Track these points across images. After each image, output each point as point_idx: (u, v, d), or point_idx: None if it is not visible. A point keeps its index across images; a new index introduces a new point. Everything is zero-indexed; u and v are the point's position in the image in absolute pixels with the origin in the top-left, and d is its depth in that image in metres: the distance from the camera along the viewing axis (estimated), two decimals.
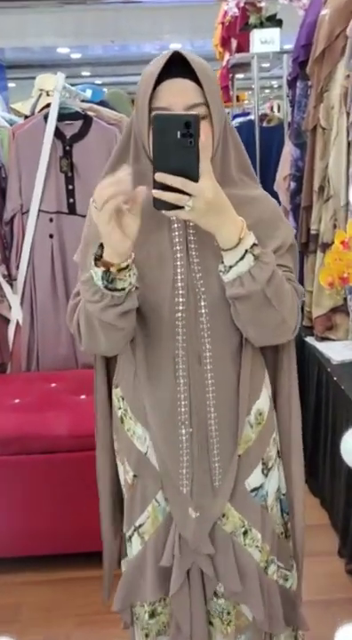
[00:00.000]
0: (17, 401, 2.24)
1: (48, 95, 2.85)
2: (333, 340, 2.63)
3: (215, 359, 1.12)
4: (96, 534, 1.54)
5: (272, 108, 5.26)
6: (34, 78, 2.84)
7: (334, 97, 2.51)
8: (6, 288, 2.50)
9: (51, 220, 2.46)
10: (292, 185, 3.03)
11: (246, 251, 0.99)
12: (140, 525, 1.22)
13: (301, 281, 3.05)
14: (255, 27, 3.59)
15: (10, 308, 2.54)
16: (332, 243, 1.94)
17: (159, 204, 0.93)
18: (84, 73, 11.15)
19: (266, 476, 1.22)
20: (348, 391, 2.17)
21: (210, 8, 5.43)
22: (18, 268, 2.50)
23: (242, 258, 0.99)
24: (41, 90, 2.95)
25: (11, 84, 10.74)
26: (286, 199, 3.17)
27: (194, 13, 7.16)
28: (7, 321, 2.56)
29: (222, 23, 4.29)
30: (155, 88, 1.01)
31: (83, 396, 2.30)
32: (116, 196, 0.90)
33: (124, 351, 1.17)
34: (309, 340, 2.69)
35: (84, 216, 2.47)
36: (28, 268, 2.50)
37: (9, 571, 2.12)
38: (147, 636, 1.28)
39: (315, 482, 2.60)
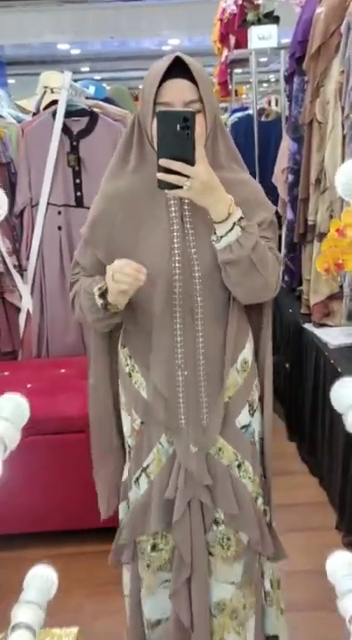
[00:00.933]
0: (29, 386, 2.34)
1: (52, 92, 2.94)
2: (331, 325, 2.73)
3: (205, 315, 1.31)
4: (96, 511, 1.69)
5: (270, 103, 5.33)
6: (33, 74, 2.92)
7: (330, 92, 2.59)
8: (17, 278, 2.59)
9: (59, 212, 2.54)
10: (290, 177, 3.11)
11: (234, 223, 1.19)
12: (147, 466, 1.39)
13: (299, 270, 3.16)
14: (253, 23, 3.66)
15: (20, 297, 2.62)
16: (329, 232, 2.03)
17: (162, 185, 1.13)
18: (84, 69, 11.20)
19: (252, 415, 1.42)
20: (344, 374, 2.27)
21: (207, 4, 5.49)
22: (28, 259, 2.59)
23: (231, 229, 1.19)
24: (45, 87, 3.03)
25: (10, 81, 10.79)
26: (284, 191, 3.25)
27: (192, 10, 7.22)
28: (18, 310, 2.65)
29: (221, 20, 4.36)
30: (159, 86, 1.18)
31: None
32: (134, 285, 1.18)
33: (129, 314, 1.35)
34: (307, 326, 2.79)
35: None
36: (37, 259, 2.58)
37: (21, 546, 2.20)
38: (148, 566, 1.44)
39: (314, 461, 2.71)
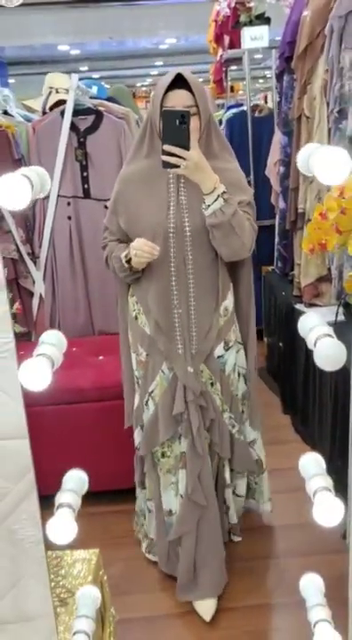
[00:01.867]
0: None
1: (57, 92, 3.14)
2: (320, 305, 2.93)
3: (195, 265, 1.73)
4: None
5: (266, 99, 5.50)
6: (33, 74, 3.11)
7: (316, 89, 2.76)
8: (30, 265, 2.78)
9: (68, 203, 2.74)
10: (282, 169, 3.29)
11: (219, 195, 1.58)
12: (152, 391, 1.81)
13: (291, 256, 3.35)
14: (245, 24, 3.84)
15: (33, 282, 2.82)
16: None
17: (165, 165, 1.52)
18: (82, 68, 11.37)
19: (226, 350, 1.86)
20: None
21: (203, 5, 5.68)
22: (40, 247, 2.77)
23: (216, 199, 1.58)
24: (51, 87, 3.24)
25: (10, 81, 10.94)
26: (277, 183, 3.44)
27: (188, 10, 7.38)
28: (31, 294, 2.84)
29: (215, 21, 4.53)
30: (165, 94, 1.60)
31: (101, 357, 2.62)
32: (150, 258, 1.65)
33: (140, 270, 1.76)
34: (299, 306, 3.00)
35: (98, 199, 2.83)
36: (49, 247, 2.77)
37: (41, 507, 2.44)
38: (160, 470, 1.90)
39: (306, 431, 2.92)
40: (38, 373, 0.81)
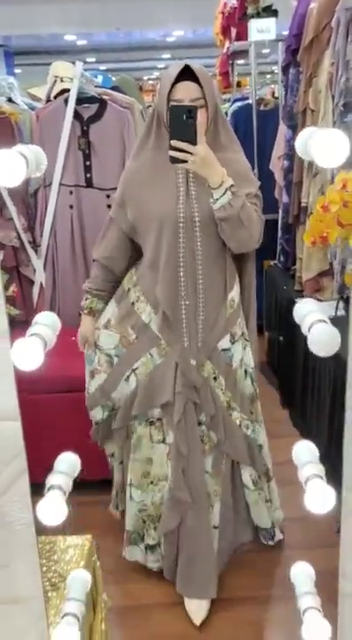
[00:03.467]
0: None
1: (62, 81, 3.12)
2: (321, 300, 2.92)
3: (203, 256, 1.71)
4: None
5: (273, 94, 5.47)
6: (40, 65, 3.11)
7: (322, 82, 2.75)
8: (31, 253, 2.78)
9: (70, 192, 2.73)
10: (286, 163, 3.28)
11: (226, 189, 1.57)
12: (137, 368, 1.80)
13: (293, 251, 3.35)
14: (252, 16, 3.83)
15: (34, 271, 2.82)
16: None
17: (173, 160, 1.51)
18: (89, 59, 11.34)
19: (232, 343, 1.82)
20: None
21: None
22: (41, 235, 2.78)
23: (224, 193, 1.57)
24: (56, 76, 3.21)
25: (17, 70, 10.95)
26: (280, 177, 3.44)
27: (195, 1, 7.36)
28: (32, 282, 2.84)
29: (222, 13, 4.52)
30: (172, 87, 1.58)
31: None
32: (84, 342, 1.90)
33: (144, 257, 1.79)
34: (299, 300, 3.00)
35: (100, 189, 2.82)
36: (50, 236, 2.76)
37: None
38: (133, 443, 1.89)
39: (304, 425, 2.92)
40: (30, 353, 0.81)
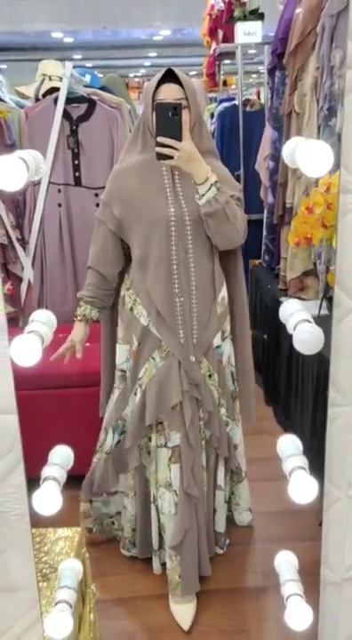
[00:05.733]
0: None
1: (50, 80, 3.14)
2: (304, 299, 2.98)
3: (195, 253, 1.75)
4: None
5: (259, 95, 5.52)
6: (26, 61, 3.11)
7: (307, 86, 2.80)
8: (19, 250, 2.79)
9: (59, 190, 2.74)
10: (271, 164, 3.32)
11: (211, 184, 1.62)
12: (140, 378, 1.81)
13: (278, 251, 3.40)
14: (239, 19, 3.86)
15: (22, 268, 2.82)
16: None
17: (159, 157, 1.55)
18: (76, 56, 11.29)
19: (223, 340, 1.88)
20: None
21: None
22: (30, 232, 2.80)
23: (209, 189, 1.61)
24: (44, 75, 3.23)
25: (2, 66, 10.85)
26: (266, 177, 3.48)
27: (182, 2, 7.37)
28: (20, 280, 2.83)
29: (210, 15, 4.55)
30: (156, 89, 1.63)
31: (87, 344, 2.65)
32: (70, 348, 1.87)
33: (135, 258, 1.80)
34: (284, 299, 3.04)
35: (88, 187, 2.84)
36: (38, 233, 2.76)
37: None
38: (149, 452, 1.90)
39: (288, 422, 2.97)
40: (29, 349, 0.85)
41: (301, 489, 0.92)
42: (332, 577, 1.12)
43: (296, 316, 0.90)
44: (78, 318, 1.93)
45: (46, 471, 0.98)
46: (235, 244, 1.79)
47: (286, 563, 1.08)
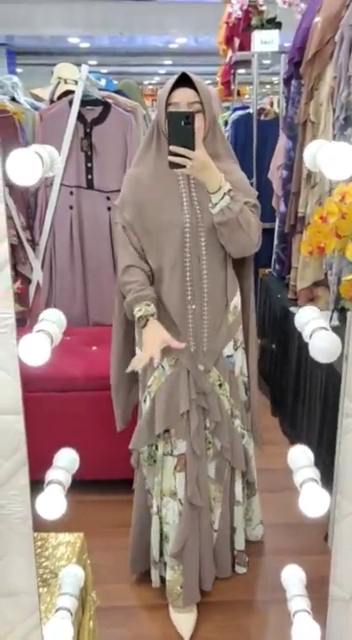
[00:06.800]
0: None
1: (66, 83, 3.15)
2: None
3: (209, 261, 1.72)
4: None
5: (272, 104, 5.53)
6: (41, 65, 3.12)
7: (323, 95, 2.79)
8: (29, 252, 2.79)
9: (71, 193, 2.75)
10: (284, 173, 3.32)
11: (225, 193, 1.59)
12: (149, 385, 1.77)
13: (289, 260, 3.38)
14: (256, 28, 3.87)
15: (32, 269, 2.83)
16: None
17: (172, 165, 1.53)
18: (91, 62, 11.36)
19: (235, 350, 1.84)
20: None
21: (214, 5, 5.70)
22: (40, 234, 2.79)
23: (222, 197, 1.59)
24: (59, 78, 3.24)
25: (18, 70, 10.95)
26: (279, 186, 3.47)
27: (199, 10, 7.40)
28: (29, 281, 2.85)
29: (227, 23, 4.56)
30: (170, 93, 1.61)
31: (94, 348, 2.63)
32: (150, 359, 1.61)
33: (154, 265, 1.74)
34: (293, 309, 3.02)
35: (100, 191, 2.83)
36: (49, 235, 2.77)
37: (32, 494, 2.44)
38: (155, 461, 1.85)
39: (294, 434, 2.94)
40: (38, 348, 0.83)
41: (313, 502, 0.89)
42: (340, 594, 1.09)
43: (312, 323, 0.88)
44: (154, 316, 1.65)
45: (51, 474, 0.96)
46: (249, 252, 1.76)
47: (293, 577, 1.05)
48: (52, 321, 0.89)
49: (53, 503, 0.91)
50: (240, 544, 2.03)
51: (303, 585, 1.07)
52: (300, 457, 0.99)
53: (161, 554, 1.94)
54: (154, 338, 1.62)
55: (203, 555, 1.90)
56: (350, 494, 1.02)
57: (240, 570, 2.06)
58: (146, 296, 1.66)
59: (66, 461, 0.98)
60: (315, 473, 0.94)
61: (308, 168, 3.02)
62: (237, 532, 2.00)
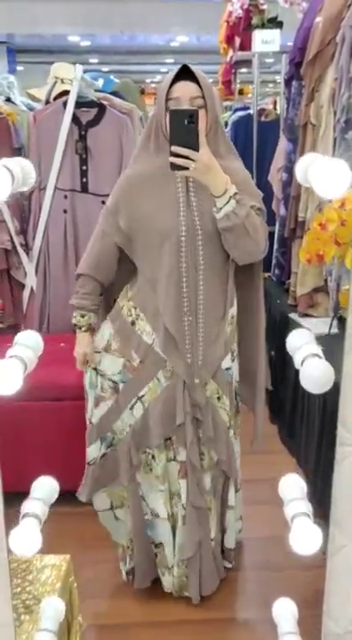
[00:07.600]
0: None
1: (62, 83, 3.09)
2: (314, 316, 2.90)
3: (206, 271, 1.64)
4: None
5: (275, 104, 5.46)
6: (42, 63, 3.07)
7: (324, 97, 2.73)
8: (23, 256, 2.74)
9: (65, 196, 2.69)
10: (284, 176, 3.25)
11: (230, 197, 1.49)
12: (143, 395, 1.70)
13: (289, 265, 3.32)
14: (257, 27, 3.81)
15: (25, 274, 2.77)
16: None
17: (173, 167, 1.43)
18: (92, 60, 11.31)
19: (232, 361, 1.79)
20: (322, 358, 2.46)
21: (217, 4, 5.65)
22: (34, 238, 2.74)
23: (228, 201, 1.49)
24: (56, 77, 3.18)
25: (19, 67, 10.90)
26: (279, 189, 3.41)
27: (201, 9, 7.34)
28: (22, 286, 2.80)
29: (227, 22, 4.50)
30: (170, 87, 1.52)
31: None
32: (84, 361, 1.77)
33: (143, 271, 1.69)
34: (293, 315, 2.96)
35: (95, 194, 2.78)
36: (43, 240, 2.72)
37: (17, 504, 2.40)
38: (146, 473, 1.81)
39: (292, 442, 2.88)
40: (8, 376, 0.77)
41: (304, 539, 0.83)
42: (335, 629, 1.03)
43: (305, 349, 0.82)
44: (83, 329, 1.80)
45: (27, 506, 0.90)
46: (255, 258, 1.68)
47: (286, 611, 0.99)
48: (27, 345, 0.83)
49: (28, 538, 0.86)
50: (230, 543, 2.02)
51: (295, 620, 1.01)
52: (292, 488, 0.93)
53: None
54: (78, 350, 1.82)
55: (203, 563, 1.88)
56: (344, 526, 0.96)
57: (226, 564, 2.05)
58: (83, 306, 1.78)
59: (44, 492, 0.92)
60: (307, 507, 0.89)
61: None
62: (228, 532, 1.99)
